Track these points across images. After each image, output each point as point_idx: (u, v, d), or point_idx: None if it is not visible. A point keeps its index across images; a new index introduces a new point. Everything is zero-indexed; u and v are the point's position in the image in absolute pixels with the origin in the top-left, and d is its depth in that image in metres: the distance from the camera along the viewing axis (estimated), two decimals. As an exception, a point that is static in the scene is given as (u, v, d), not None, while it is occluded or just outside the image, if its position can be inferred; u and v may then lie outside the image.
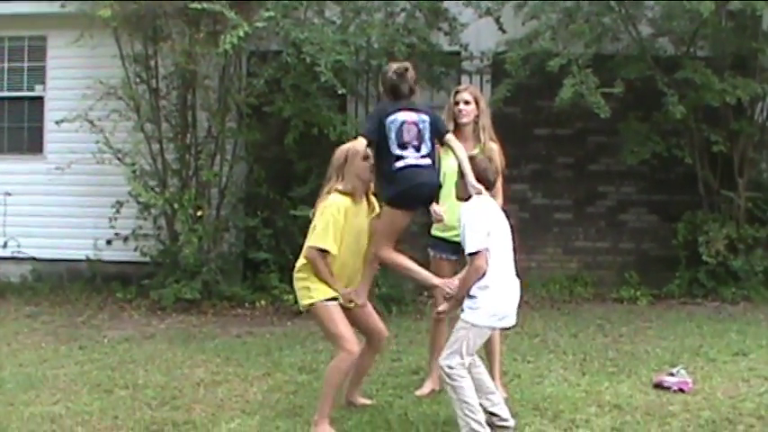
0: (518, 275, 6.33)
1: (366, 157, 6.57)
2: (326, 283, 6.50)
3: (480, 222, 6.13)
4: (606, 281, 12.54)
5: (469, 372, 6.21)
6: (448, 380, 6.14)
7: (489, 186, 6.39)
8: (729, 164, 11.98)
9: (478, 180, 6.30)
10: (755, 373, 8.02)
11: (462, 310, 6.22)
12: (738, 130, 11.86)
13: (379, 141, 6.57)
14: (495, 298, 6.14)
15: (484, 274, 6.08)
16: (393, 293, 11.10)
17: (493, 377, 6.84)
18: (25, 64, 13.68)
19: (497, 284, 6.14)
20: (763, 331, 9.81)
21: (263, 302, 11.65)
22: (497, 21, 11.56)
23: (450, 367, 6.11)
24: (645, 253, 12.83)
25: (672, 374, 7.60)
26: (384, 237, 6.61)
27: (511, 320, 6.31)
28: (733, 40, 11.65)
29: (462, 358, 6.11)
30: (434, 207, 6.55)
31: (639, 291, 11.96)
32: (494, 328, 6.43)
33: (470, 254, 6.10)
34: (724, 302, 11.49)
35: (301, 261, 6.62)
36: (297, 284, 6.68)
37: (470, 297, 6.16)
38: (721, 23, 11.64)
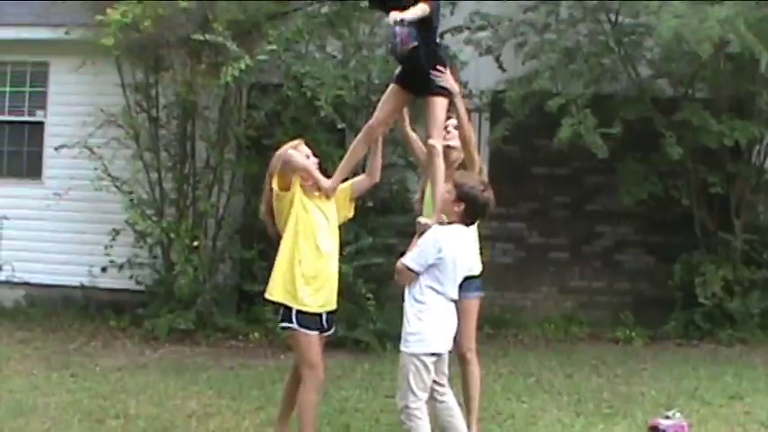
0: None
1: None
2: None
3: (435, 247, 5.93)
4: (602, 321, 12.51)
5: (440, 416, 6.11)
6: (405, 421, 5.97)
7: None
8: (726, 205, 12.00)
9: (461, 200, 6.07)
10: (751, 417, 8.03)
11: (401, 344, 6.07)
12: (736, 173, 11.90)
13: None
14: (431, 326, 5.98)
15: (417, 301, 5.96)
16: (388, 329, 11.07)
17: (469, 424, 6.64)
18: (27, 89, 13.73)
19: (434, 314, 5.98)
20: (760, 375, 9.81)
21: (256, 335, 11.60)
22: (497, 59, 11.62)
23: (407, 407, 5.95)
24: (641, 293, 12.81)
25: (667, 417, 7.57)
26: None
27: (447, 347, 6.14)
28: (731, 83, 11.71)
29: (415, 395, 5.95)
30: (420, 219, 6.36)
31: (635, 331, 11.93)
32: (434, 355, 6.07)
33: (406, 264, 5.96)
34: (720, 345, 11.47)
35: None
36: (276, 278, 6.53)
37: (407, 330, 6.01)
38: (720, 66, 11.65)
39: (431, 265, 5.92)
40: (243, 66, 10.57)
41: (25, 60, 13.67)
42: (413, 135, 6.97)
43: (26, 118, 13.71)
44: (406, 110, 6.77)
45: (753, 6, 10.48)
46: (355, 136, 11.76)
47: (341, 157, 10.88)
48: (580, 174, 12.80)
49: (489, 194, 6.06)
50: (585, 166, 12.36)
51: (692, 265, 11.95)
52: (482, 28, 11.62)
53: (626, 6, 11.38)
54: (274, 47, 10.87)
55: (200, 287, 11.66)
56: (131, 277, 12.39)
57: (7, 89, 13.73)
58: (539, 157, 12.59)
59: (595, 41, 11.76)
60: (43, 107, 13.61)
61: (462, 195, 5.97)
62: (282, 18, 11.66)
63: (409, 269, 5.94)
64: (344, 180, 6.79)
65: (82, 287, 12.97)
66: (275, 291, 6.44)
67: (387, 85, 10.82)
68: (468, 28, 11.69)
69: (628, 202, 11.84)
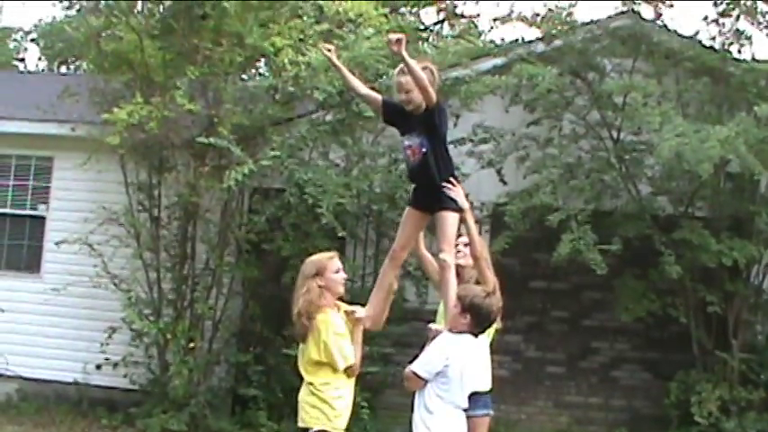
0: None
1: (338, 270, 6.46)
2: None
3: (442, 355, 5.92)
4: (597, 437, 12.40)
5: None
6: None
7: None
8: (724, 324, 11.93)
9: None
10: None
11: None
12: (734, 292, 11.85)
13: None
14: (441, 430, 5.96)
15: (426, 409, 5.91)
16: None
17: None
18: (30, 183, 13.83)
19: (442, 422, 5.94)
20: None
21: (249, 439, 11.52)
22: (499, 172, 11.71)
23: None
24: (637, 411, 12.69)
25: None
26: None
27: None
28: (731, 202, 11.77)
29: None
30: (431, 326, 6.40)
31: (630, 449, 11.83)
32: None
33: (413, 371, 5.93)
34: (715, 464, 11.36)
35: (321, 380, 6.26)
36: (308, 402, 6.29)
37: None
38: (720, 185, 11.78)
39: (438, 373, 5.91)
40: (246, 170, 10.70)
41: (30, 155, 13.80)
42: (427, 255, 7.02)
43: (28, 212, 13.80)
44: (420, 233, 6.82)
45: (753, 126, 10.58)
46: (356, 244, 12.03)
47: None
48: (578, 289, 12.78)
49: (492, 300, 6.04)
50: (584, 281, 12.33)
51: (689, 383, 11.84)
52: (484, 141, 11.72)
53: (628, 123, 11.54)
54: (278, 153, 11.03)
55: (194, 389, 11.61)
56: (126, 376, 12.33)
57: (11, 182, 13.83)
58: (537, 271, 12.60)
59: (597, 158, 11.87)
60: (45, 202, 13.70)
61: (467, 307, 5.96)
62: (287, 124, 11.85)
63: (417, 376, 5.95)
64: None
65: (75, 383, 12.89)
66: None
67: (388, 195, 11.17)
68: (471, 140, 11.79)
69: (626, 318, 11.81)
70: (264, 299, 12.11)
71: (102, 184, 12.70)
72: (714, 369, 11.90)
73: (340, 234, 10.82)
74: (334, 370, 6.19)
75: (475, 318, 5.97)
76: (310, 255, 10.76)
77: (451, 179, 6.31)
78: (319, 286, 6.26)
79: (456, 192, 6.28)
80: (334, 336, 6.17)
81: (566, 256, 10.87)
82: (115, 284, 12.10)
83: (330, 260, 6.44)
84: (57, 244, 12.73)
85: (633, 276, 11.92)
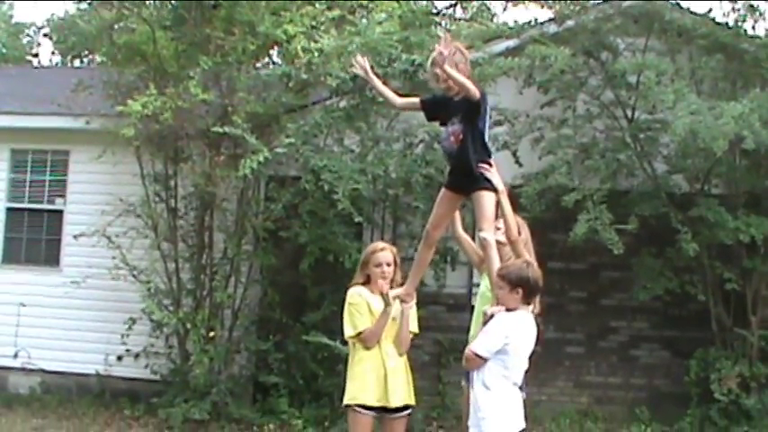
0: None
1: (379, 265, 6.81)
2: None
3: (502, 333, 6.07)
4: (617, 416, 12.39)
5: None
6: None
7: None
8: (743, 301, 11.93)
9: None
10: None
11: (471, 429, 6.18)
12: (752, 268, 11.84)
13: None
14: (500, 410, 6.09)
15: (486, 386, 6.06)
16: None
17: None
18: (47, 177, 13.90)
19: (502, 398, 6.09)
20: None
21: (271, 426, 11.57)
22: (514, 154, 11.69)
23: None
24: (656, 389, 12.71)
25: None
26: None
27: (518, 426, 6.22)
28: (747, 179, 11.75)
29: None
30: (486, 308, 6.42)
31: (651, 427, 11.83)
32: None
33: (474, 351, 6.09)
34: (736, 441, 11.36)
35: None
36: None
37: (479, 414, 6.11)
38: (735, 161, 11.76)
39: (498, 351, 6.04)
40: (261, 158, 10.72)
41: (46, 149, 13.86)
42: (465, 236, 7.14)
43: (45, 206, 13.86)
44: (457, 213, 6.93)
45: (767, 102, 10.54)
46: (372, 230, 12.05)
47: (358, 250, 11.11)
48: (596, 269, 12.78)
49: (534, 268, 6.24)
50: (601, 260, 12.32)
51: (708, 360, 11.86)
52: (499, 123, 11.71)
53: (642, 101, 11.52)
54: (293, 140, 11.03)
55: (215, 377, 11.66)
56: (147, 366, 12.43)
57: (28, 177, 13.89)
58: (555, 252, 12.53)
59: (612, 137, 11.87)
60: (63, 195, 13.77)
61: (515, 282, 6.10)
62: (301, 111, 11.83)
63: (478, 355, 6.07)
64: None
65: (97, 375, 13.00)
66: None
67: (404, 180, 11.18)
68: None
69: (644, 297, 11.80)
70: (283, 286, 12.13)
71: (119, 176, 12.73)
72: (733, 346, 11.91)
73: (357, 220, 10.83)
74: (354, 343, 6.80)
75: (526, 289, 6.14)
76: (328, 241, 11.04)
77: (488, 161, 6.37)
78: (366, 275, 6.89)
79: (492, 173, 6.34)
80: (347, 306, 6.79)
81: (582, 236, 10.87)
82: (134, 276, 12.15)
83: (375, 253, 6.93)
84: (75, 237, 12.83)
85: (650, 255, 11.90)
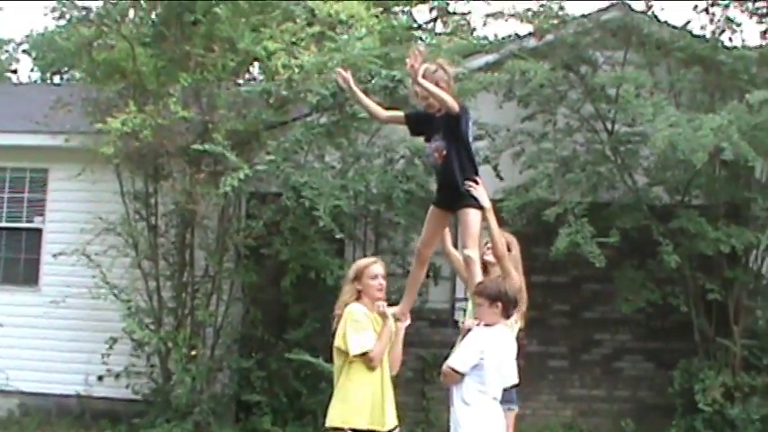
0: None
1: (375, 277, 6.65)
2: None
3: (477, 348, 6.08)
4: (602, 429, 12.42)
5: None
6: None
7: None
8: (725, 311, 11.96)
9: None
10: None
11: None
12: (733, 279, 11.89)
13: None
14: (479, 426, 6.10)
15: (464, 402, 6.08)
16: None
17: None
18: (25, 195, 13.78)
19: (481, 414, 6.10)
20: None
21: (254, 445, 11.52)
22: (495, 168, 11.70)
23: None
24: (641, 401, 12.72)
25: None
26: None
27: None
28: (726, 190, 11.81)
29: None
30: (463, 321, 6.52)
31: (636, 440, 11.85)
32: None
33: (451, 366, 6.09)
34: (721, 451, 11.37)
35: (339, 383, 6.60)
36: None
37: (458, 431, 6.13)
38: (715, 173, 11.81)
39: (474, 366, 6.06)
40: (242, 175, 10.68)
41: (24, 167, 13.76)
42: (455, 253, 7.11)
43: (24, 224, 13.75)
44: (447, 230, 6.91)
45: (745, 113, 10.59)
46: (354, 246, 12.04)
47: (340, 267, 11.08)
48: (578, 281, 12.80)
49: (509, 282, 6.31)
50: (583, 273, 12.33)
51: (692, 371, 11.88)
52: (479, 138, 11.71)
53: (621, 114, 11.55)
54: (273, 157, 11.00)
55: (197, 397, 11.57)
56: (128, 386, 12.32)
57: (5, 195, 13.79)
58: (536, 266, 12.49)
59: (592, 150, 11.91)
60: (41, 214, 13.66)
61: (493, 296, 6.15)
62: (281, 128, 11.81)
63: (454, 371, 6.09)
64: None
65: (78, 396, 12.85)
66: None
67: (385, 195, 11.18)
68: (466, 137, 11.77)
69: (626, 309, 11.82)
70: (265, 304, 12.09)
71: (98, 194, 12.65)
72: (716, 356, 11.94)
73: (338, 236, 10.82)
74: (351, 361, 6.43)
75: (505, 303, 6.18)
76: (309, 258, 10.97)
77: (475, 178, 6.39)
78: (357, 290, 6.58)
79: (478, 190, 6.35)
80: (352, 323, 6.44)
81: (564, 250, 10.90)
82: (114, 295, 12.03)
83: (368, 266, 6.72)
84: (54, 256, 12.71)
85: (632, 267, 11.95)
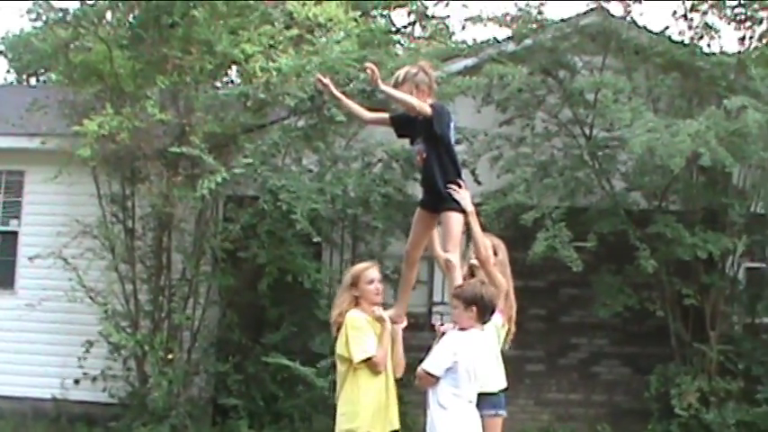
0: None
1: (371, 281, 6.60)
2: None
3: (450, 351, 6.06)
4: (579, 433, 12.44)
5: None
6: None
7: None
8: (701, 316, 12.02)
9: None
10: None
11: None
12: (709, 284, 11.96)
13: None
14: (454, 429, 6.07)
15: (440, 405, 6.05)
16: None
17: None
18: (1, 198, 13.70)
19: (456, 417, 6.06)
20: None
21: (231, 449, 11.47)
22: (473, 173, 11.67)
23: None
24: (617, 405, 12.77)
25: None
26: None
27: None
28: (703, 195, 11.88)
29: None
30: (438, 325, 6.46)
31: (612, 444, 11.87)
32: None
33: (425, 369, 6.07)
34: (696, 456, 11.41)
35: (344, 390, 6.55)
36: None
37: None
38: (692, 178, 11.86)
39: (448, 369, 6.04)
40: (219, 178, 10.65)
41: (0, 169, 13.67)
42: (442, 256, 7.05)
43: (0, 227, 13.64)
44: (435, 233, 6.82)
45: (723, 119, 10.64)
46: (331, 249, 12.02)
47: (317, 270, 11.06)
48: (556, 286, 12.83)
49: (489, 288, 6.22)
50: (561, 278, 12.37)
51: (668, 376, 11.93)
52: (458, 142, 11.69)
53: (600, 119, 11.58)
54: (251, 160, 10.98)
55: (174, 400, 11.52)
56: (104, 389, 12.27)
57: (-19, 198, 13.71)
58: (514, 270, 12.51)
59: (570, 155, 11.94)
60: (17, 216, 13.58)
61: (469, 300, 6.09)
62: (259, 131, 11.78)
63: (428, 374, 6.06)
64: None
65: (54, 399, 12.77)
66: None
67: (362, 199, 11.17)
68: (444, 141, 11.78)
69: (603, 314, 11.85)
70: (242, 307, 12.05)
71: (75, 197, 12.60)
72: (693, 361, 11.99)
73: (315, 239, 10.81)
74: (356, 368, 6.40)
75: (480, 308, 6.11)
76: (286, 261, 10.93)
77: (457, 181, 6.35)
78: (354, 296, 6.53)
79: (461, 193, 6.32)
80: (353, 330, 6.39)
81: (541, 254, 10.94)
82: (91, 298, 11.99)
83: (364, 271, 6.67)
84: (30, 259, 12.62)
85: (609, 272, 11.99)
